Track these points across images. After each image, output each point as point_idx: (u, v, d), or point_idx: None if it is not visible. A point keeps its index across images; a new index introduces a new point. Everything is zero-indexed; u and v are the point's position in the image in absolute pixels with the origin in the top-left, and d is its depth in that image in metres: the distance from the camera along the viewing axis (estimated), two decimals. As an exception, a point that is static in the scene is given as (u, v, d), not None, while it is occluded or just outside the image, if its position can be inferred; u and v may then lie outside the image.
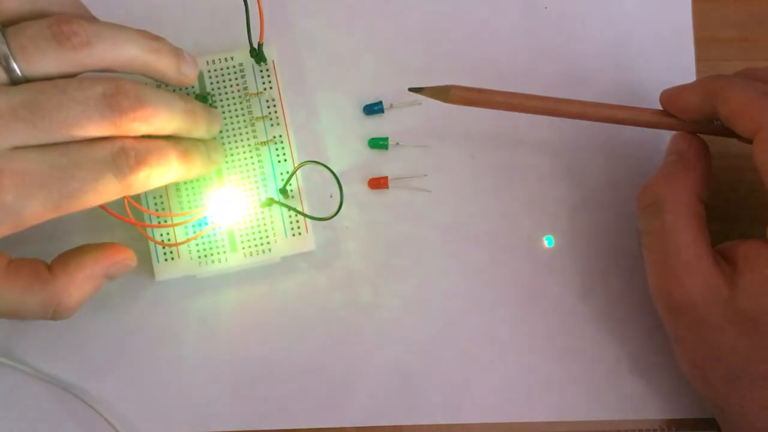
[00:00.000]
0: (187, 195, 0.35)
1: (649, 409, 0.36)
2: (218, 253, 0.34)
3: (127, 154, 0.29)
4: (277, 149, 0.35)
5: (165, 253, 0.34)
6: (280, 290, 0.36)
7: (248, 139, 0.35)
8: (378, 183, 0.37)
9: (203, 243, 0.34)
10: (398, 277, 0.37)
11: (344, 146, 0.37)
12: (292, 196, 0.35)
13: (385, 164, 0.37)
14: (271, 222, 0.35)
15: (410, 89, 0.34)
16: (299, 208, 0.35)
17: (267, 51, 0.36)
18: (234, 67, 0.36)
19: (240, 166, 0.35)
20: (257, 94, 0.36)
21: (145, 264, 0.34)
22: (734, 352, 0.30)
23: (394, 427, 0.36)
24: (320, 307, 0.36)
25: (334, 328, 0.36)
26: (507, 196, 0.37)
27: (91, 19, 0.30)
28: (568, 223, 0.37)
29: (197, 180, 0.35)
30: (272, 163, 0.35)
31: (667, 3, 0.39)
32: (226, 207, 0.34)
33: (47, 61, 0.28)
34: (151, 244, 0.34)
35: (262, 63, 0.36)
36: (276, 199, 0.35)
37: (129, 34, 0.30)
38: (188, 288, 0.36)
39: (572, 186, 0.38)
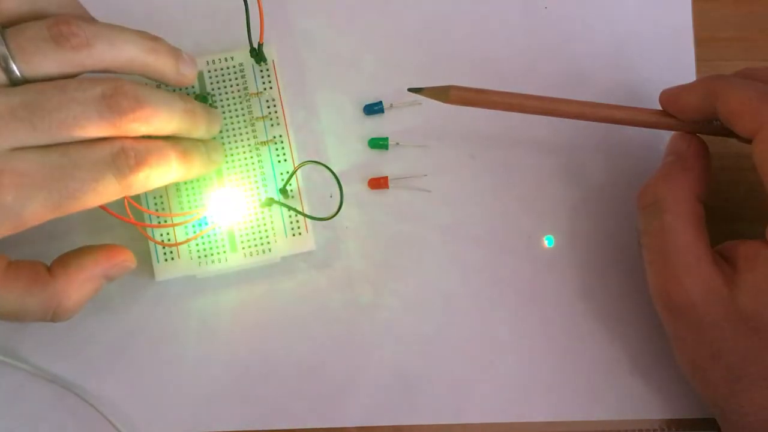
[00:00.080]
0: (187, 195, 0.35)
1: (649, 409, 0.36)
2: (218, 253, 0.34)
3: (126, 154, 0.29)
4: (277, 149, 0.35)
5: (165, 253, 0.34)
6: (280, 290, 0.36)
7: (248, 139, 0.35)
8: (378, 183, 0.37)
9: (203, 243, 0.34)
10: (398, 277, 0.37)
11: (344, 146, 0.37)
12: (292, 196, 0.35)
13: (385, 164, 0.37)
14: (271, 222, 0.35)
15: (410, 89, 0.34)
16: (299, 208, 0.35)
17: (267, 51, 0.36)
18: (234, 67, 0.36)
19: (240, 166, 0.35)
20: (257, 94, 0.36)
21: (145, 264, 0.34)
22: (734, 352, 0.30)
23: (394, 427, 0.36)
24: (320, 307, 0.36)
25: (334, 328, 0.36)
26: (507, 196, 0.37)
27: (90, 20, 0.30)
28: (568, 223, 0.37)
29: (197, 180, 0.35)
30: (272, 163, 0.35)
31: (667, 3, 0.39)
32: (226, 207, 0.34)
33: (46, 61, 0.28)
34: (151, 244, 0.34)
35: (262, 63, 0.36)
36: (276, 199, 0.35)
37: (128, 35, 0.30)
38: (188, 288, 0.36)
39: (572, 186, 0.38)
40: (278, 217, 0.35)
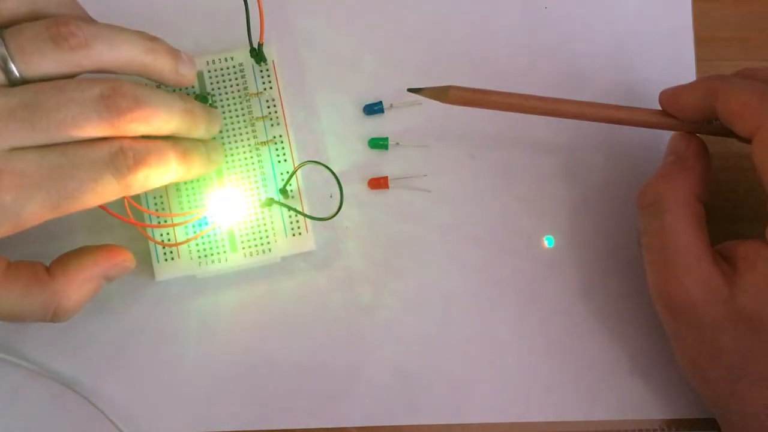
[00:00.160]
0: (187, 195, 0.35)
1: (649, 409, 0.36)
2: (218, 253, 0.34)
3: (125, 154, 0.29)
4: (277, 149, 0.35)
5: (165, 253, 0.34)
6: (280, 290, 0.36)
7: (248, 139, 0.35)
8: (378, 183, 0.37)
9: (203, 243, 0.34)
10: (398, 277, 0.37)
11: (344, 146, 0.37)
12: (292, 196, 0.35)
13: (385, 164, 0.37)
14: (271, 222, 0.35)
15: (409, 90, 0.34)
16: (299, 208, 0.35)
17: (267, 51, 0.36)
18: (234, 67, 0.36)
19: (240, 166, 0.35)
20: (257, 94, 0.36)
21: (145, 264, 0.34)
22: (734, 352, 0.30)
23: (394, 427, 0.36)
24: (320, 307, 0.36)
25: (334, 328, 0.36)
26: (507, 196, 0.37)
27: (89, 20, 0.30)
28: (568, 223, 0.37)
29: (197, 180, 0.35)
30: (272, 163, 0.35)
31: (667, 3, 0.39)
32: (226, 207, 0.34)
33: (45, 62, 0.28)
34: (151, 244, 0.34)
35: (262, 63, 0.36)
36: (276, 199, 0.35)
37: (126, 35, 0.30)
38: (188, 288, 0.36)
39: (572, 186, 0.38)
40: (278, 217, 0.35)
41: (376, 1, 0.39)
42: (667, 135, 0.35)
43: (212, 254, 0.34)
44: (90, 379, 0.35)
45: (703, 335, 0.31)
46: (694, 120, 0.33)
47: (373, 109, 0.38)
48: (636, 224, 0.33)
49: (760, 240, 0.30)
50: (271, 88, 0.36)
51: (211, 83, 0.36)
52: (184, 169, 0.31)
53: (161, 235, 0.34)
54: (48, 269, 0.31)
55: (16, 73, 0.28)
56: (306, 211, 0.35)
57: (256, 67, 0.36)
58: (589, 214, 0.37)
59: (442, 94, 0.33)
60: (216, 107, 0.35)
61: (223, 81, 0.36)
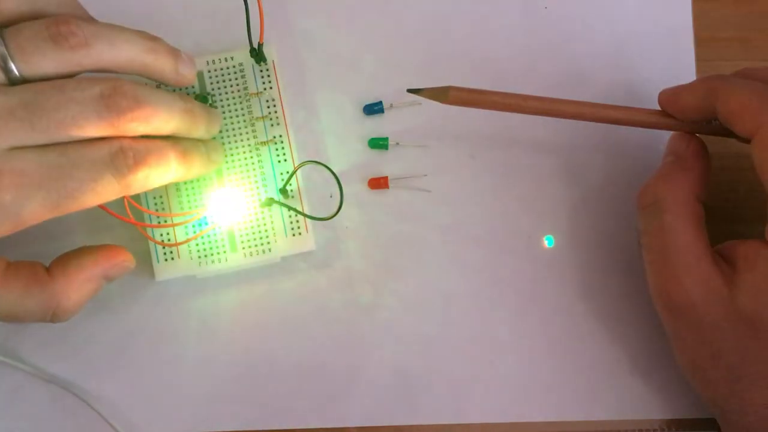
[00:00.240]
0: (187, 195, 0.35)
1: (649, 409, 0.36)
2: (218, 253, 0.34)
3: (125, 154, 0.29)
4: (277, 149, 0.35)
5: (165, 253, 0.34)
6: (280, 290, 0.36)
7: (248, 139, 0.35)
8: (378, 183, 0.37)
9: (203, 243, 0.34)
10: (398, 277, 0.37)
11: (344, 146, 0.38)
12: (292, 196, 0.35)
13: (385, 164, 0.37)
14: (271, 222, 0.35)
15: (409, 90, 0.34)
16: (299, 208, 0.35)
17: (267, 51, 0.36)
18: (234, 67, 0.36)
19: (240, 166, 0.35)
20: (257, 94, 0.36)
21: (145, 264, 0.34)
22: (734, 352, 0.30)
23: (394, 427, 0.36)
24: (320, 307, 0.36)
25: (334, 328, 0.36)
26: (507, 196, 0.37)
27: (89, 19, 0.30)
28: (568, 223, 0.37)
29: (197, 180, 0.35)
30: (272, 163, 0.35)
31: (667, 3, 0.39)
32: (226, 207, 0.34)
33: (45, 61, 0.28)
34: (151, 244, 0.34)
35: (262, 63, 0.36)
36: (276, 199, 0.35)
37: (127, 35, 0.30)
38: (188, 288, 0.36)
39: (572, 186, 0.38)
40: (278, 217, 0.35)
41: (376, 1, 0.39)
42: (666, 135, 0.35)
43: (212, 254, 0.34)
44: (89, 379, 0.35)
45: (702, 335, 0.31)
46: (694, 120, 0.33)
47: (373, 109, 0.38)
48: (636, 224, 0.33)
49: (760, 240, 0.30)
50: (271, 88, 0.36)
51: (211, 83, 0.36)
52: (184, 169, 0.31)
53: (161, 235, 0.34)
54: (48, 269, 0.31)
55: (16, 73, 0.28)
56: (306, 211, 0.35)
57: (256, 67, 0.36)
58: (589, 214, 0.37)
59: (441, 94, 0.33)
60: (216, 107, 0.35)
61: (223, 81, 0.36)
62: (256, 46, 0.34)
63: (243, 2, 0.32)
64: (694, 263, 0.31)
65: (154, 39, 0.31)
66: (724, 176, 0.37)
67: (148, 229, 0.34)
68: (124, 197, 0.31)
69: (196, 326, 0.36)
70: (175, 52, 0.31)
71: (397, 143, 0.37)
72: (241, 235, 0.35)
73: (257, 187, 0.35)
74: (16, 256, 0.30)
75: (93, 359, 0.35)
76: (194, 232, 0.34)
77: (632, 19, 0.39)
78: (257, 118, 0.36)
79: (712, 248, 0.31)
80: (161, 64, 0.31)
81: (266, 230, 0.35)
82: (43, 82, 0.28)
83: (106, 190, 0.29)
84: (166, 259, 0.34)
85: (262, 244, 0.35)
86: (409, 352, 0.36)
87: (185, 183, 0.35)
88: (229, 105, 0.36)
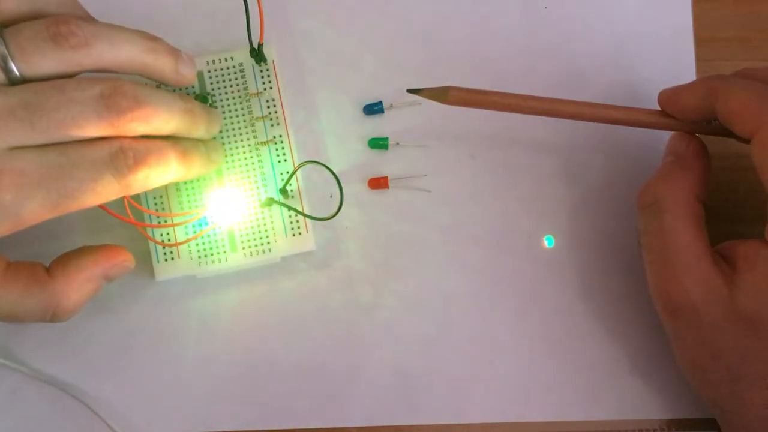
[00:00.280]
0: (187, 195, 0.35)
1: (649, 409, 0.36)
2: (218, 253, 0.34)
3: (125, 154, 0.29)
4: (277, 149, 0.35)
5: (165, 253, 0.34)
6: (280, 290, 0.36)
7: (248, 139, 0.35)
8: (378, 183, 0.37)
9: (203, 243, 0.34)
10: (398, 277, 0.37)
11: (344, 146, 0.37)
12: (292, 196, 0.35)
13: (385, 164, 0.37)
14: (271, 222, 0.35)
15: (409, 90, 0.34)
16: (299, 208, 0.35)
17: (267, 51, 0.36)
18: (234, 67, 0.36)
19: (240, 166, 0.35)
20: (257, 94, 0.36)
21: (145, 264, 0.34)
22: (734, 352, 0.30)
23: (394, 427, 0.36)
24: (320, 307, 0.36)
25: (334, 328, 0.36)
26: (507, 196, 0.37)
27: (89, 19, 0.30)
28: (568, 223, 0.37)
29: (197, 180, 0.35)
30: (272, 163, 0.35)
31: (667, 3, 0.39)
32: (226, 207, 0.34)
33: (45, 61, 0.28)
34: (151, 244, 0.34)
35: (262, 63, 0.36)
36: (276, 199, 0.35)
37: (127, 35, 0.30)
38: (188, 288, 0.36)
39: (572, 186, 0.38)
40: (278, 217, 0.35)
41: (376, 1, 0.39)
42: (666, 135, 0.35)
43: (212, 254, 0.34)
44: (89, 380, 0.35)
45: (702, 335, 0.31)
46: (694, 120, 0.33)
47: (373, 109, 0.38)
48: (636, 224, 0.33)
49: (760, 240, 0.30)
50: (271, 88, 0.36)
51: (211, 83, 0.36)
52: (184, 169, 0.31)
53: (161, 235, 0.34)
54: (47, 269, 0.31)
55: (16, 72, 0.28)
56: (306, 211, 0.35)
57: (256, 67, 0.36)
58: (589, 214, 0.37)
59: (441, 94, 0.33)
60: (216, 107, 0.35)
61: (223, 81, 0.36)
62: (256, 46, 0.34)
63: (243, 2, 0.32)
64: (694, 263, 0.31)
65: (154, 39, 0.31)
66: (724, 176, 0.37)
67: (148, 229, 0.34)
68: (124, 197, 0.31)
69: (196, 326, 0.36)
70: (175, 52, 0.31)
71: (397, 143, 0.37)
72: (241, 235, 0.35)
73: (257, 187, 0.35)
74: (16, 256, 0.30)
75: (92, 360, 0.35)
76: (194, 232, 0.34)
77: (632, 19, 0.39)
78: (257, 118, 0.36)
79: (712, 248, 0.31)
80: (161, 64, 0.31)
81: (266, 230, 0.35)
82: (43, 82, 0.28)
83: (106, 190, 0.29)
84: (166, 259, 0.34)
85: (262, 244, 0.35)
86: (409, 352, 0.36)
87: (185, 183, 0.35)
88: (229, 105, 0.36)
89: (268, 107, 0.36)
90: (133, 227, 0.34)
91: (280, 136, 0.36)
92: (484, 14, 0.39)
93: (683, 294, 0.31)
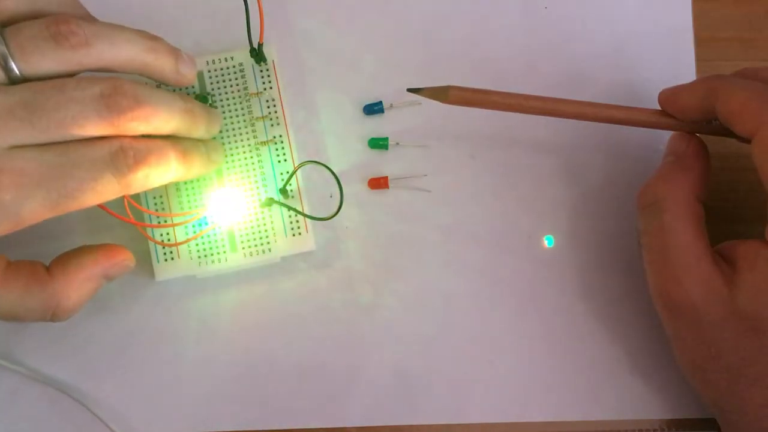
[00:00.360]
0: (187, 195, 0.35)
1: (649, 409, 0.36)
2: (218, 253, 0.34)
3: (125, 153, 0.29)
4: (277, 149, 0.35)
5: (165, 253, 0.34)
6: (280, 290, 0.36)
7: (248, 139, 0.35)
8: (378, 183, 0.37)
9: (203, 243, 0.34)
10: (398, 277, 0.37)
11: (344, 146, 0.37)
12: (292, 196, 0.35)
13: (385, 164, 0.37)
14: (271, 222, 0.35)
15: (409, 90, 0.34)
16: (299, 208, 0.35)
17: (267, 51, 0.36)
18: (234, 67, 0.36)
19: (240, 166, 0.35)
20: (257, 94, 0.36)
21: (145, 264, 0.34)
22: (734, 352, 0.30)
23: (394, 427, 0.36)
24: (320, 307, 0.36)
25: (334, 328, 0.36)
26: (507, 196, 0.37)
27: (90, 18, 0.30)
28: (568, 223, 0.37)
29: (197, 180, 0.35)
30: (272, 163, 0.35)
31: (667, 3, 0.39)
32: (226, 207, 0.34)
33: (46, 60, 0.28)
34: (151, 244, 0.34)
35: (262, 63, 0.36)
36: (276, 199, 0.35)
37: (127, 34, 0.30)
38: (188, 288, 0.36)
39: (572, 186, 0.38)
40: (278, 217, 0.35)
41: (376, 1, 0.39)
42: (666, 135, 0.35)
43: (212, 254, 0.34)
44: (88, 380, 0.35)
45: (702, 335, 0.31)
46: (694, 120, 0.33)
47: (373, 109, 0.38)
48: (636, 224, 0.33)
49: (760, 240, 0.30)
50: (271, 88, 0.36)
51: (211, 83, 0.36)
52: (184, 169, 0.31)
53: (161, 235, 0.34)
54: (48, 269, 0.31)
55: (17, 72, 0.28)
56: (306, 211, 0.35)
57: (256, 67, 0.36)
58: (589, 214, 0.37)
59: (441, 94, 0.33)
60: (216, 107, 0.35)
61: (223, 81, 0.36)
62: (256, 46, 0.34)
63: (243, 2, 0.32)
64: (694, 263, 0.31)
65: (154, 38, 0.31)
66: (724, 176, 0.37)
67: (148, 229, 0.34)
68: (124, 197, 0.31)
69: (196, 326, 0.36)
70: (175, 52, 0.31)
71: (397, 143, 0.37)
72: (241, 235, 0.35)
73: (257, 187, 0.35)
74: (16, 255, 0.30)
75: (92, 360, 0.35)
76: (194, 232, 0.34)
77: (632, 19, 0.39)
78: (257, 118, 0.36)
79: (712, 248, 0.31)
80: (161, 64, 0.31)
81: (266, 230, 0.35)
82: (43, 81, 0.28)
83: (106, 190, 0.29)
84: (166, 259, 0.34)
85: (262, 244, 0.35)
86: (409, 352, 0.36)
87: (185, 183, 0.35)
88: (229, 105, 0.36)
89: (268, 107, 0.36)
90: (133, 227, 0.34)
91: (280, 136, 0.36)
92: (484, 14, 0.39)
93: (683, 294, 0.31)
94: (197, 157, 0.32)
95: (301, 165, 0.35)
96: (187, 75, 0.32)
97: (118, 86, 0.28)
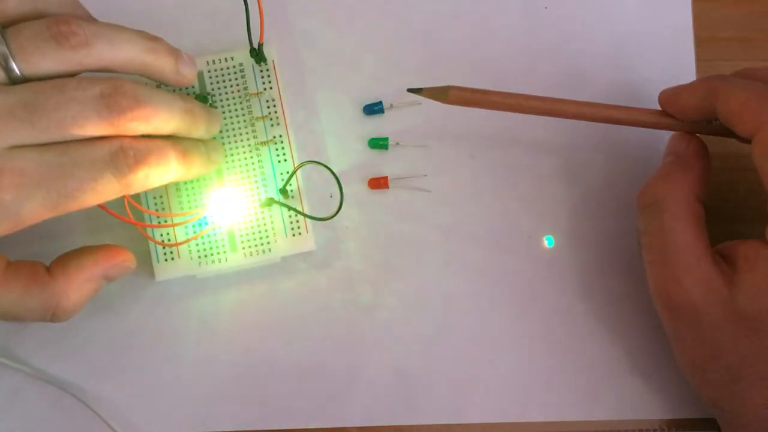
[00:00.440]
0: (187, 195, 0.35)
1: (649, 409, 0.36)
2: (218, 253, 0.34)
3: (125, 153, 0.29)
4: (277, 149, 0.35)
5: (165, 253, 0.34)
6: (280, 290, 0.36)
7: (248, 139, 0.35)
8: (378, 183, 0.37)
9: (203, 243, 0.34)
10: (398, 277, 0.37)
11: (344, 146, 0.37)
12: (292, 196, 0.35)
13: (385, 164, 0.37)
14: (271, 222, 0.35)
15: (409, 90, 0.34)
16: (299, 208, 0.35)
17: (267, 51, 0.36)
18: (234, 67, 0.36)
19: (240, 166, 0.35)
20: (257, 94, 0.36)
21: (145, 264, 0.34)
22: (734, 352, 0.30)
23: (394, 427, 0.36)
24: (320, 307, 0.36)
25: (334, 328, 0.36)
26: (507, 196, 0.37)
27: (90, 19, 0.30)
28: (568, 223, 0.37)
29: (197, 180, 0.35)
30: (272, 163, 0.35)
31: (667, 3, 0.39)
32: (226, 207, 0.34)
33: (46, 61, 0.28)
34: (151, 244, 0.34)
35: (262, 63, 0.36)
36: (276, 199, 0.35)
37: (127, 35, 0.30)
38: (188, 288, 0.36)
39: (572, 186, 0.38)
40: (278, 217, 0.35)
41: (376, 1, 0.39)
42: (666, 135, 0.35)
43: (212, 254, 0.34)
44: (89, 380, 0.35)
45: (702, 335, 0.31)
46: (694, 120, 0.33)
47: (373, 109, 0.38)
48: (636, 224, 0.33)
49: (760, 240, 0.30)
50: (271, 88, 0.36)
51: (211, 83, 0.36)
52: (184, 169, 0.31)
53: (161, 235, 0.34)
54: (48, 269, 0.31)
55: (17, 72, 0.28)
56: (306, 211, 0.35)
57: (256, 67, 0.36)
58: (589, 214, 0.37)
59: (441, 94, 0.33)
60: (216, 107, 0.35)
61: (223, 81, 0.36)
62: (256, 46, 0.34)
63: (243, 2, 0.32)
64: (694, 263, 0.31)
65: (154, 39, 0.31)
66: (724, 176, 0.37)
67: (148, 229, 0.34)
68: (124, 197, 0.31)
69: (196, 326, 0.36)
70: (175, 52, 0.31)
71: (397, 143, 0.37)
72: (241, 235, 0.35)
73: (257, 187, 0.35)
74: (16, 255, 0.30)
75: (93, 359, 0.35)
76: (194, 232, 0.34)
77: (632, 19, 0.39)
78: (257, 118, 0.36)
79: (712, 248, 0.31)
80: (161, 64, 0.31)
81: (266, 230, 0.35)
82: (43, 81, 0.28)
83: (107, 190, 0.29)
84: (166, 259, 0.34)
85: (262, 244, 0.35)
86: (409, 352, 0.36)
87: (185, 183, 0.35)
88: (229, 105, 0.36)
89: (268, 107, 0.36)
90: (133, 227, 0.34)
91: (280, 136, 0.36)
92: (484, 14, 0.39)
93: (683, 294, 0.31)
94: (197, 157, 0.32)
95: (301, 165, 0.35)
96: (187, 75, 0.32)
97: (118, 86, 0.28)
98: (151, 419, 0.35)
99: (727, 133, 0.32)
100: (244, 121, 0.36)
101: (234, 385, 0.36)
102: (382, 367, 0.36)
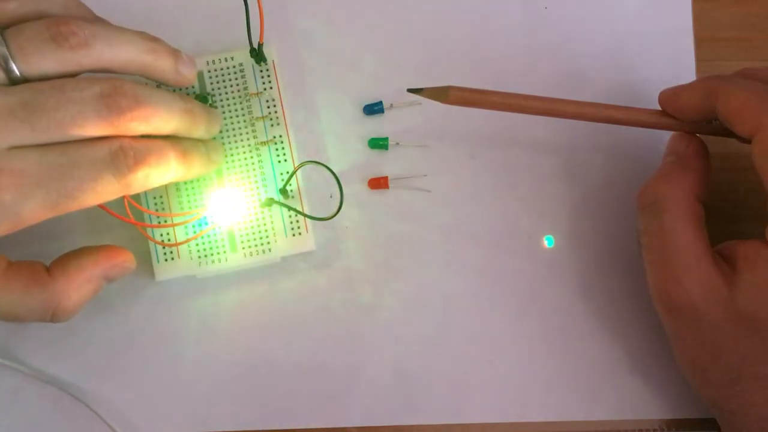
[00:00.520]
0: (187, 195, 0.35)
1: (649, 409, 0.36)
2: (218, 253, 0.34)
3: (125, 153, 0.29)
4: (277, 149, 0.35)
5: (165, 253, 0.34)
6: (280, 290, 0.36)
7: (248, 139, 0.35)
8: (378, 183, 0.37)
9: (203, 243, 0.34)
10: (398, 277, 0.37)
11: (344, 146, 0.37)
12: (292, 196, 0.35)
13: (385, 164, 0.37)
14: (271, 222, 0.35)
15: (409, 90, 0.34)
16: (299, 208, 0.35)
17: (267, 51, 0.36)
18: (234, 67, 0.36)
19: (240, 166, 0.35)
20: (257, 94, 0.36)
21: (145, 264, 0.34)
22: (734, 352, 0.30)
23: (394, 427, 0.36)
24: (320, 307, 0.36)
25: (334, 328, 0.36)
26: (507, 196, 0.37)
27: (92, 19, 0.30)
28: (568, 223, 0.37)
29: (197, 180, 0.35)
30: (272, 163, 0.35)
31: (667, 3, 0.39)
32: (226, 207, 0.34)
33: (46, 61, 0.28)
34: (151, 244, 0.34)
35: (262, 63, 0.36)
36: (276, 199, 0.35)
37: (127, 35, 0.30)
38: (188, 288, 0.36)
39: (572, 186, 0.38)
40: (278, 217, 0.35)
41: (376, 1, 0.39)
42: (666, 135, 0.35)
43: (212, 254, 0.34)
44: (89, 380, 0.35)
45: (702, 335, 0.31)
46: (694, 120, 0.33)
47: (373, 109, 0.38)
48: (636, 224, 0.33)
49: (760, 240, 0.30)
50: (271, 88, 0.36)
51: (211, 83, 0.36)
52: (184, 169, 0.31)
53: (161, 235, 0.34)
54: (48, 269, 0.31)
55: (17, 72, 0.28)
56: (306, 211, 0.35)
57: (256, 67, 0.36)
58: (589, 214, 0.37)
59: (441, 94, 0.33)
60: (216, 107, 0.35)
61: (223, 81, 0.36)
62: (256, 46, 0.34)
63: (243, 2, 0.32)
64: (694, 263, 0.31)
65: (154, 39, 0.31)
66: (724, 176, 0.37)
67: (148, 229, 0.34)
68: (124, 197, 0.31)
69: (196, 326, 0.36)
70: (175, 53, 0.31)
71: (397, 143, 0.37)
72: (241, 235, 0.35)
73: (257, 187, 0.35)
74: (16, 256, 0.30)
75: (93, 360, 0.35)
76: (194, 232, 0.34)
77: (632, 19, 0.39)
78: (257, 118, 0.36)
79: (712, 248, 0.31)
80: (161, 65, 0.31)
81: (266, 230, 0.35)
82: (43, 81, 0.28)
83: (106, 190, 0.29)
84: (166, 259, 0.34)
85: (262, 244, 0.35)
86: (409, 352, 0.36)
87: (185, 183, 0.35)
88: (229, 105, 0.36)
89: (268, 107, 0.36)
90: (133, 227, 0.34)
91: (280, 136, 0.36)
92: (484, 14, 0.39)
93: (683, 294, 0.31)
94: (197, 157, 0.32)
95: (301, 165, 0.35)
96: (187, 75, 0.32)
97: (117, 86, 0.29)
98: (151, 419, 0.35)
99: (727, 133, 0.32)
100: (244, 121, 0.36)
101: (234, 385, 0.36)
102: (382, 367, 0.36)
